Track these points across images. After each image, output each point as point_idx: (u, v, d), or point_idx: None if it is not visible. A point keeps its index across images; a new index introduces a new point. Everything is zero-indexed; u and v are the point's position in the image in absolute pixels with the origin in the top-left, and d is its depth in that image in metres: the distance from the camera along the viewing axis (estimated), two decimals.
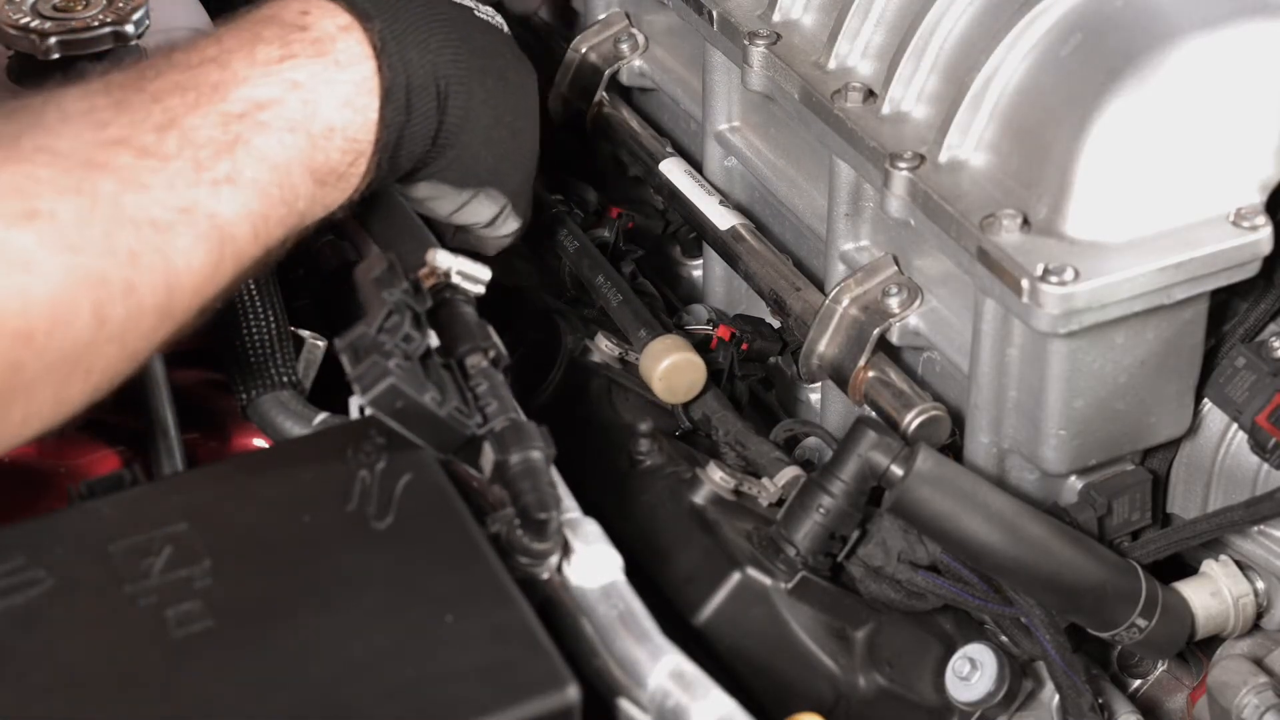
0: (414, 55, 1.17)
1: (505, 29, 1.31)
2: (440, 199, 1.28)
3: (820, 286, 1.35)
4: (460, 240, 1.36)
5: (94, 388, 1.01)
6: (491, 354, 1.08)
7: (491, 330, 1.10)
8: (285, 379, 1.22)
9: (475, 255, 1.14)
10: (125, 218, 1.00)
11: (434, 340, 1.07)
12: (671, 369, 1.31)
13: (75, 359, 0.98)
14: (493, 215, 1.31)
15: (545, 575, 1.02)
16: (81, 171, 0.99)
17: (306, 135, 1.10)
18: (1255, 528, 1.25)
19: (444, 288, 1.11)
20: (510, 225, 1.33)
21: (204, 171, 1.04)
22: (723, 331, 1.39)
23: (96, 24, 1.31)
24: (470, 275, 1.12)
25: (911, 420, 1.24)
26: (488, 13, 1.29)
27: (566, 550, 1.02)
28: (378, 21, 1.15)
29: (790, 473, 1.24)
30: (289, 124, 1.09)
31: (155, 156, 1.02)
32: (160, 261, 1.01)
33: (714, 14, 1.37)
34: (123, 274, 0.99)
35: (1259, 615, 1.27)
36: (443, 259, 1.12)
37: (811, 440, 1.34)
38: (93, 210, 0.98)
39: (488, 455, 1.03)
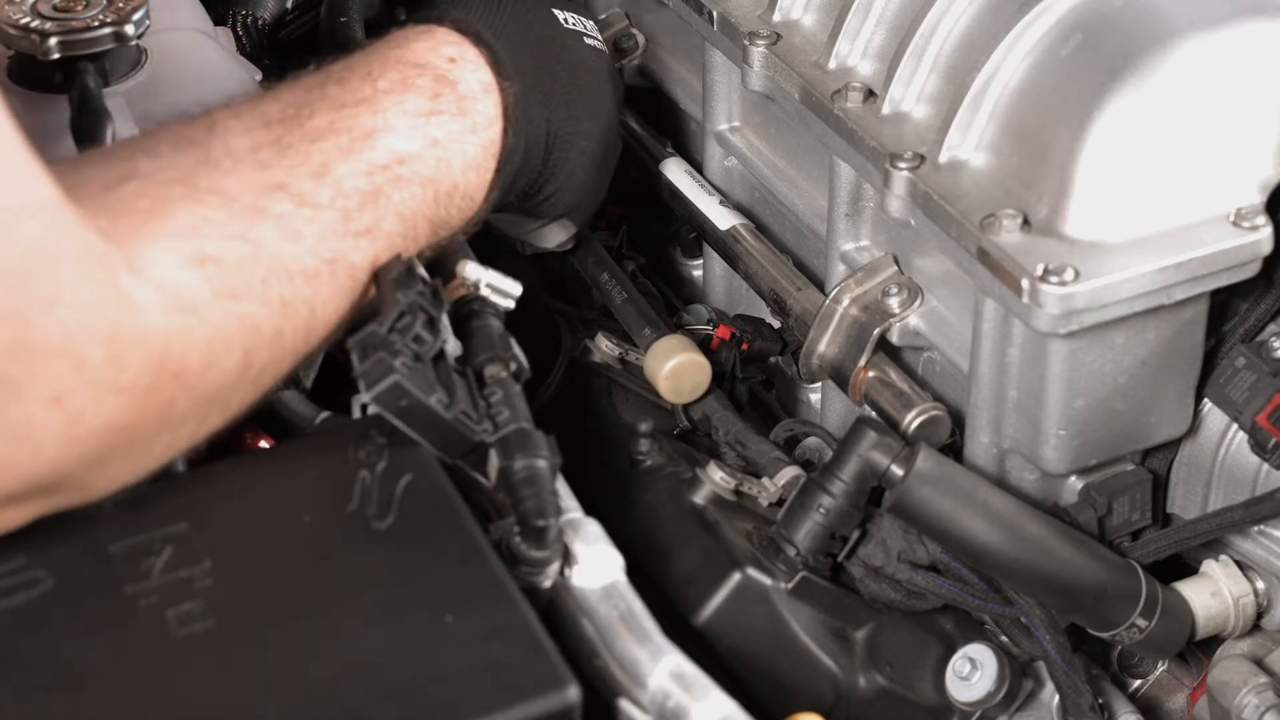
0: (535, 113, 1.20)
1: (604, 48, 1.33)
2: (514, 225, 1.32)
3: (820, 286, 1.35)
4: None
5: (228, 421, 1.03)
6: (512, 366, 1.08)
7: (514, 343, 1.10)
8: (286, 379, 1.21)
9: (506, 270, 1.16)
10: (281, 267, 1.02)
11: (457, 349, 1.07)
12: (678, 369, 1.31)
13: (219, 397, 1.00)
14: (560, 241, 1.36)
15: (546, 584, 1.02)
16: (248, 217, 1.01)
17: (434, 192, 1.12)
18: (1255, 528, 1.25)
19: (473, 299, 1.12)
20: (569, 244, 1.38)
21: (351, 223, 1.06)
22: (723, 331, 1.39)
23: (96, 24, 1.31)
24: (500, 289, 1.13)
25: (912, 420, 1.24)
26: (592, 31, 1.32)
27: (568, 558, 1.02)
28: (515, 81, 1.17)
29: (790, 473, 1.24)
30: (422, 180, 1.11)
31: (310, 205, 1.04)
32: (306, 311, 1.03)
33: (714, 14, 1.37)
34: (274, 322, 1.01)
35: (1259, 615, 1.27)
36: (473, 271, 1.12)
37: (811, 440, 1.34)
38: (255, 259, 1.00)
39: (493, 462, 1.03)
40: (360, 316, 1.09)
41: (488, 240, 1.46)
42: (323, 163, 1.06)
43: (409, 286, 1.05)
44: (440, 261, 1.15)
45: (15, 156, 0.88)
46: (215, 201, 1.00)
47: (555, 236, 1.36)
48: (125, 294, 0.93)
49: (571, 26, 1.29)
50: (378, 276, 1.07)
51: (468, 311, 1.11)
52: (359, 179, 1.07)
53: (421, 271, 1.09)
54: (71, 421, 0.91)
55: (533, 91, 1.20)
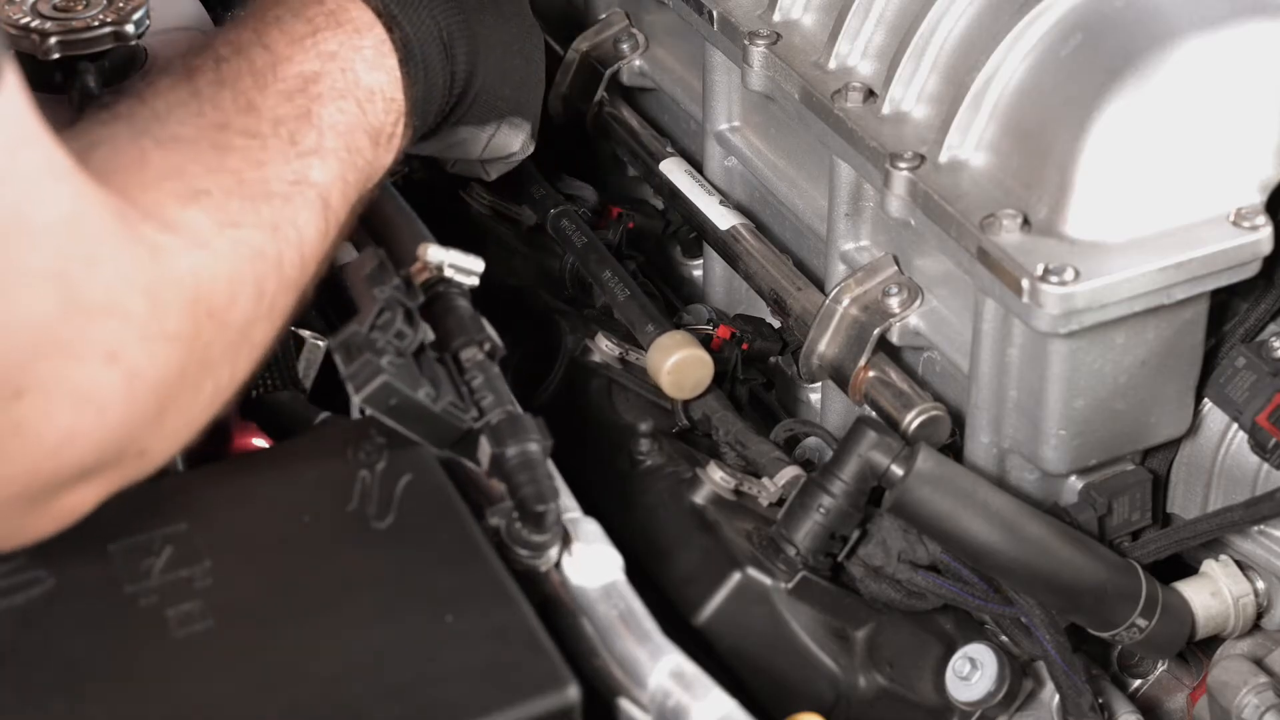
0: (411, 13, 1.20)
1: None
2: (468, 141, 1.32)
3: (820, 286, 1.35)
4: (462, 168, 1.38)
5: (254, 363, 1.03)
6: (486, 347, 1.09)
7: (486, 323, 1.10)
8: (286, 379, 1.22)
9: (467, 248, 1.15)
10: (260, 193, 1.03)
11: (429, 335, 1.07)
12: (681, 364, 1.31)
13: (245, 333, 1.00)
14: (521, 142, 1.35)
15: (544, 569, 1.02)
16: (215, 153, 1.02)
17: (355, 101, 1.14)
18: (1255, 528, 1.25)
19: (437, 282, 1.11)
20: (529, 148, 1.37)
21: (297, 145, 1.08)
22: (723, 331, 1.39)
23: (96, 24, 1.32)
24: (463, 268, 1.12)
25: (912, 420, 1.24)
26: None
27: (566, 542, 1.02)
28: None
29: (790, 473, 1.24)
30: (338, 93, 1.13)
31: (256, 137, 1.05)
32: (294, 233, 1.04)
33: (714, 14, 1.37)
34: (275, 247, 1.02)
35: (1259, 615, 1.27)
36: (434, 253, 1.12)
37: (812, 440, 1.34)
38: (239, 186, 1.02)
39: (484, 449, 1.03)
40: (338, 243, 1.10)
41: (482, 237, 1.47)
42: (247, 101, 1.07)
43: (383, 281, 1.05)
44: (400, 246, 1.16)
45: (35, 127, 0.89)
46: (181, 146, 1.02)
47: (514, 139, 1.34)
48: (152, 243, 0.94)
49: None
50: (350, 273, 1.07)
51: (434, 295, 1.11)
52: (284, 107, 1.09)
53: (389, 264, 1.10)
54: (130, 377, 0.91)
55: None
